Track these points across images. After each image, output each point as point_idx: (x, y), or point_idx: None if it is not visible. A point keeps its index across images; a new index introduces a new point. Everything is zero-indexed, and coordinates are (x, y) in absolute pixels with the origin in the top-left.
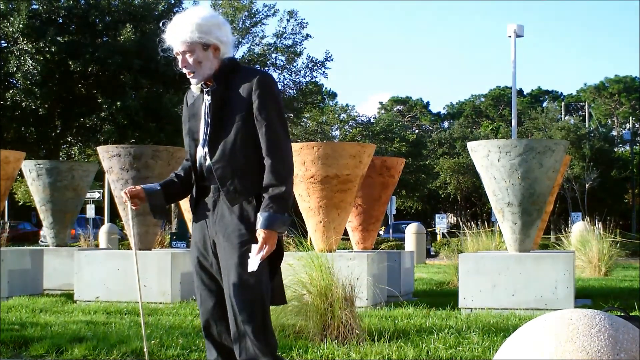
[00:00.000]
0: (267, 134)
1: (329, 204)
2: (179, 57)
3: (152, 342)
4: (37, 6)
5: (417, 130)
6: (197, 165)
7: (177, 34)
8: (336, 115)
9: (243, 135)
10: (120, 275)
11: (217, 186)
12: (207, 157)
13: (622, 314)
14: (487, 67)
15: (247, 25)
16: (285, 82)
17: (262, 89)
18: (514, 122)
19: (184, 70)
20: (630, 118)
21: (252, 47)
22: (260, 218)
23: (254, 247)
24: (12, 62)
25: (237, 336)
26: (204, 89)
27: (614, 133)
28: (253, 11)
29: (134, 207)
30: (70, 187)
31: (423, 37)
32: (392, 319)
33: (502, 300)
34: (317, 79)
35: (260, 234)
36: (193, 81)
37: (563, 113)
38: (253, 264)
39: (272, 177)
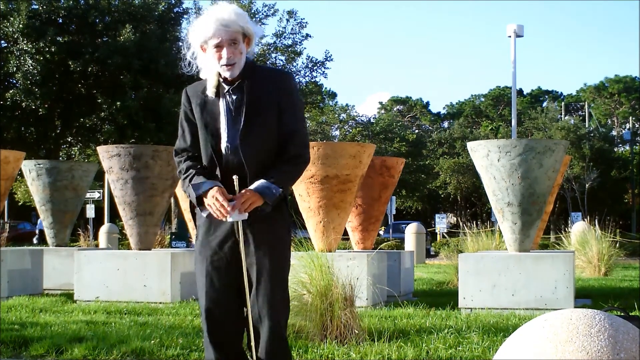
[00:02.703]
0: (295, 127)
1: (329, 204)
2: (223, 49)
3: (152, 342)
4: (37, 6)
5: (417, 130)
6: (223, 160)
7: (225, 22)
8: (336, 115)
9: (272, 130)
10: (120, 275)
11: (245, 181)
12: (240, 151)
13: (622, 314)
14: (487, 67)
15: None
16: None
17: (289, 86)
18: (513, 122)
19: (225, 62)
20: (630, 118)
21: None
22: (255, 182)
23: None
24: (12, 62)
25: (267, 331)
26: (225, 84)
27: (614, 133)
28: (253, 11)
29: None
30: (70, 187)
31: (423, 37)
32: (392, 319)
33: (502, 300)
34: (316, 79)
35: (246, 190)
36: (228, 74)
37: (563, 113)
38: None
39: (287, 158)
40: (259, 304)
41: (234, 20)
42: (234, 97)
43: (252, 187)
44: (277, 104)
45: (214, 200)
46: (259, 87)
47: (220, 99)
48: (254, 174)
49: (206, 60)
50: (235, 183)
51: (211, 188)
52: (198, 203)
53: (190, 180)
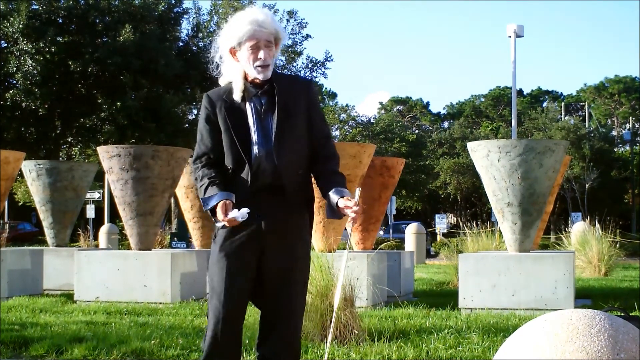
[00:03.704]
0: (328, 132)
1: None
2: (261, 51)
3: (152, 342)
4: (37, 6)
5: (417, 130)
6: (253, 163)
7: (262, 24)
8: (336, 116)
9: (301, 134)
10: (120, 275)
11: (278, 185)
12: (274, 156)
13: (622, 314)
14: (487, 67)
15: None
16: None
17: (315, 93)
18: (514, 122)
19: (261, 63)
20: (630, 118)
21: None
22: (335, 193)
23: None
24: (12, 62)
25: (290, 333)
26: (252, 88)
27: (614, 133)
28: None
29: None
30: (70, 187)
31: (423, 37)
32: (392, 319)
33: (502, 300)
34: (316, 79)
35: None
36: (261, 76)
37: (563, 113)
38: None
39: (335, 163)
40: (278, 306)
41: (270, 23)
42: (262, 100)
43: (337, 196)
44: (305, 110)
45: (220, 215)
46: (287, 92)
47: (247, 102)
48: (289, 179)
49: (233, 64)
50: (357, 194)
51: (217, 204)
52: (212, 214)
53: (204, 192)
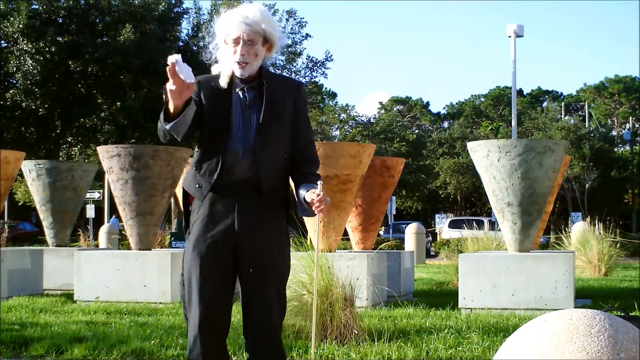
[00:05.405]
0: (312, 137)
1: (329, 204)
2: (239, 46)
3: (152, 342)
4: (37, 6)
5: (417, 130)
6: (228, 158)
7: (248, 20)
8: (336, 115)
9: (285, 135)
10: (120, 275)
11: (254, 182)
12: (255, 152)
13: (622, 314)
14: (487, 67)
15: None
16: None
17: (303, 94)
18: (514, 122)
19: (237, 59)
20: (630, 118)
21: None
22: (306, 189)
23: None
24: (12, 62)
25: (266, 335)
26: (240, 82)
27: (614, 133)
28: None
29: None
30: (70, 187)
31: (423, 37)
32: (392, 319)
33: (502, 300)
34: (316, 79)
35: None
36: (239, 72)
37: (563, 113)
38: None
39: (315, 167)
40: (253, 308)
41: (257, 21)
42: (247, 95)
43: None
44: (291, 111)
45: (170, 75)
46: (275, 91)
47: (233, 93)
48: (266, 178)
49: (223, 54)
50: (319, 184)
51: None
52: (166, 118)
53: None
